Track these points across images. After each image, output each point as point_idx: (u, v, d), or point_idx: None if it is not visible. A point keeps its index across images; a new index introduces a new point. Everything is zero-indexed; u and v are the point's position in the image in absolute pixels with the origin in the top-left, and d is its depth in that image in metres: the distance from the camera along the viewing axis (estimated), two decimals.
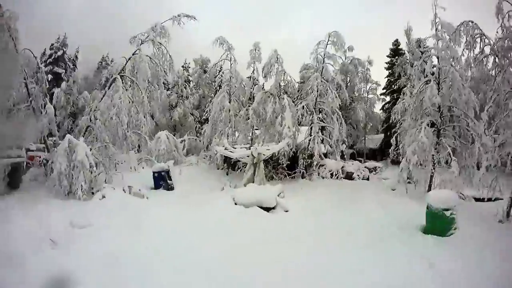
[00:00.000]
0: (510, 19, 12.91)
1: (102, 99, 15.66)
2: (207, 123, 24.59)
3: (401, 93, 27.41)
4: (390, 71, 33.76)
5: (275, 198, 12.35)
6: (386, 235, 9.52)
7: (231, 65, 22.77)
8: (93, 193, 12.30)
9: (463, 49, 15.03)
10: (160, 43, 17.16)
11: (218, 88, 31.64)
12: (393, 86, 32.84)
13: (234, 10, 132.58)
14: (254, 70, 22.36)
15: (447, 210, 9.46)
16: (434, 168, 15.73)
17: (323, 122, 21.08)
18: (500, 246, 8.73)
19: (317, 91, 20.42)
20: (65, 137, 12.96)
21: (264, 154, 16.00)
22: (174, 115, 32.35)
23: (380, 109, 35.55)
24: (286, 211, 12.30)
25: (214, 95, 29.41)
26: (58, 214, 9.87)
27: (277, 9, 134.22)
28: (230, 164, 21.39)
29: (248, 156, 16.23)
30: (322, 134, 20.95)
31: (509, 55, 13.32)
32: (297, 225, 10.62)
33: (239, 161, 20.13)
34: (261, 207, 11.77)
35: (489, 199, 14.31)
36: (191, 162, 23.42)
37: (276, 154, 18.47)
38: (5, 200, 11.34)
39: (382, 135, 34.47)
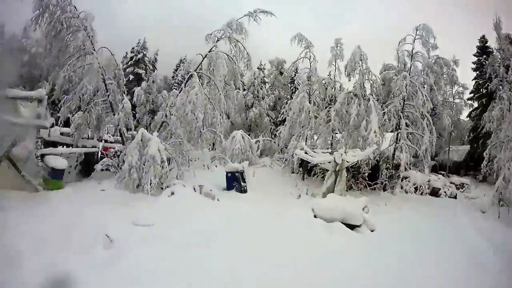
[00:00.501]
0: None
1: (178, 95, 14.56)
2: (283, 124, 22.79)
3: (496, 97, 22.69)
4: (478, 72, 29.21)
5: (362, 214, 10.16)
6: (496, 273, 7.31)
7: (310, 63, 20.46)
8: (162, 188, 11.17)
9: None
10: (237, 40, 15.73)
11: (294, 89, 29.97)
12: (481, 89, 28.38)
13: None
14: (336, 68, 19.75)
15: None
16: None
17: (410, 128, 18.32)
18: None
19: (406, 92, 17.75)
20: (138, 131, 12.10)
21: (347, 161, 13.78)
22: (249, 115, 30.86)
23: (467, 116, 30.85)
24: (372, 231, 10.07)
25: (291, 97, 27.68)
26: (123, 208, 8.79)
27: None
28: (307, 169, 19.35)
29: (329, 162, 14.09)
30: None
31: None
32: (392, 251, 8.32)
33: (316, 166, 18.13)
34: (345, 223, 9.66)
35: None
36: (264, 164, 21.74)
37: (359, 162, 16.18)
38: (75, 186, 11.05)
39: (468, 147, 30.25)
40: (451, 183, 20.79)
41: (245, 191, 14.36)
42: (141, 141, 11.50)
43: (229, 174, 14.59)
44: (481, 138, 26.68)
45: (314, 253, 7.41)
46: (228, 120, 30.28)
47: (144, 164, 11.13)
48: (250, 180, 15.58)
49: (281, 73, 33.47)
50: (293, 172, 19.89)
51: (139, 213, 8.37)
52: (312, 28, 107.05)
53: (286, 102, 25.74)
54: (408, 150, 17.50)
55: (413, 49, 18.61)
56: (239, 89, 31.98)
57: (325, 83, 20.81)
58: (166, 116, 14.43)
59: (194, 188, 11.50)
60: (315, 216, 10.13)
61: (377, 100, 18.32)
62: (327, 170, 14.64)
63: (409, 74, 18.11)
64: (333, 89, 19.92)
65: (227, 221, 8.94)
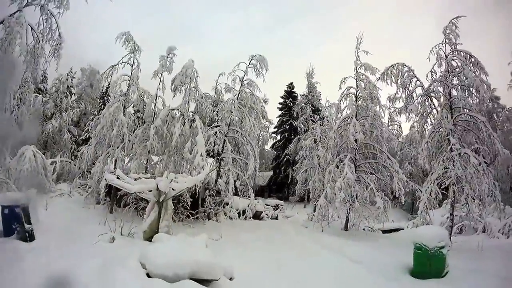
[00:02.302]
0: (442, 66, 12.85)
1: None
2: (86, 144, 17.14)
3: (302, 131, 26.29)
4: (282, 111, 31.62)
5: (219, 262, 6.60)
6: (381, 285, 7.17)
7: (132, 71, 15.27)
8: None
9: (397, 89, 13.61)
10: (51, 13, 10.78)
11: (105, 100, 24.43)
12: (285, 125, 30.80)
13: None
14: (161, 81, 15.20)
15: (443, 247, 7.66)
16: (351, 205, 13.63)
17: (232, 153, 15.92)
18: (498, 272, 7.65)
19: (231, 117, 15.54)
20: None
21: (174, 189, 10.04)
22: (47, 128, 23.13)
23: (271, 147, 32.58)
24: (231, 279, 6.77)
25: (98, 113, 22.24)
26: None
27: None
28: (116, 199, 14.24)
29: (150, 191, 10.01)
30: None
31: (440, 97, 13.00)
32: None
33: (127, 195, 13.68)
34: (195, 279, 5.94)
35: (393, 230, 15.28)
36: (62, 192, 15.66)
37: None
38: None
39: (271, 173, 31.45)
40: (267, 205, 19.32)
41: (31, 238, 8.62)
42: None
43: (6, 210, 8.60)
44: (282, 165, 28.13)
45: None
46: (20, 131, 22.50)
47: None
48: (41, 217, 9.86)
49: (91, 86, 27.42)
50: (98, 203, 14.46)
51: None
52: None
53: (92, 118, 20.27)
54: (233, 176, 15.00)
55: (244, 76, 16.43)
56: (38, 94, 24.47)
57: (146, 96, 16.31)
58: None
59: None
60: (148, 276, 6.01)
61: (203, 123, 15.33)
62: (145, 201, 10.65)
63: (237, 99, 15.90)
64: (154, 105, 15.64)
65: None
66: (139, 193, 10.17)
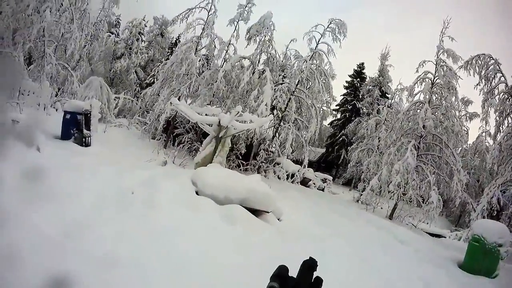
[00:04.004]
0: None
1: None
2: (149, 87, 17.35)
3: (366, 113, 25.54)
4: (348, 90, 30.00)
5: (275, 196, 6.37)
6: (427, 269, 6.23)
7: (208, 15, 15.09)
8: None
9: (480, 80, 12.92)
10: None
11: (174, 50, 24.71)
12: (347, 105, 29.26)
13: None
14: (235, 29, 15.00)
15: (501, 246, 6.98)
16: (404, 193, 13.00)
17: (295, 113, 15.41)
18: None
19: (301, 76, 14.78)
20: None
21: (235, 128, 9.76)
22: (115, 66, 24.29)
23: (329, 124, 31.24)
24: (279, 220, 6.50)
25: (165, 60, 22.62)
26: None
27: None
28: (171, 136, 14.54)
29: (210, 126, 9.82)
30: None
31: None
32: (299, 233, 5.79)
33: (182, 134, 13.95)
34: (246, 207, 5.71)
35: (435, 235, 13.48)
36: (121, 124, 16.16)
37: (240, 136, 12.59)
38: None
39: (323, 150, 30.46)
40: (315, 176, 18.95)
41: (87, 144, 9.22)
42: None
43: (68, 116, 9.10)
44: (336, 145, 27.16)
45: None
46: (89, 65, 23.63)
47: None
48: (99, 136, 10.51)
49: (162, 35, 28.13)
50: (153, 138, 14.90)
51: None
52: None
53: (159, 65, 20.71)
54: (292, 134, 14.65)
55: (320, 38, 15.47)
56: (111, 33, 25.42)
57: (219, 42, 15.78)
58: None
59: None
60: (197, 193, 5.88)
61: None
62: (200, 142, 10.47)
63: (310, 59, 15.17)
64: (226, 51, 15.34)
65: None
66: (201, 124, 10.01)
